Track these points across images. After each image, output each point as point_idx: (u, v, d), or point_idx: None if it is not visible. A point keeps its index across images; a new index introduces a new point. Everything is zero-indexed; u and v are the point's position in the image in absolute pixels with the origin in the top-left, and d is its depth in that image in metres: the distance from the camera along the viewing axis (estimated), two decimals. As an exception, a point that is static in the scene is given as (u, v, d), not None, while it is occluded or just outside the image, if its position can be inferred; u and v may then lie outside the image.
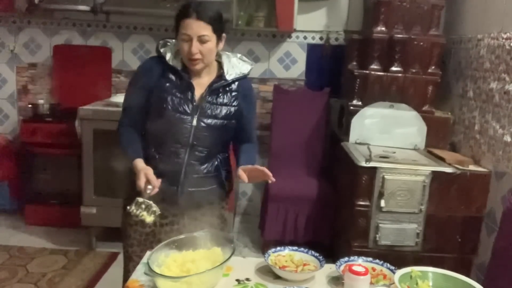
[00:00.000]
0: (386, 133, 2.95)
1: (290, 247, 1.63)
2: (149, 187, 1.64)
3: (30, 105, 3.66)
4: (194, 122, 1.73)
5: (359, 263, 1.50)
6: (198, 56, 1.68)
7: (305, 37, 3.83)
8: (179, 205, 1.80)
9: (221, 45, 1.77)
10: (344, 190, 2.98)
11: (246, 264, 1.56)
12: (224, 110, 1.77)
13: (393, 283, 1.34)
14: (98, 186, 3.19)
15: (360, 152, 2.70)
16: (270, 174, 1.66)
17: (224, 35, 1.77)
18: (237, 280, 1.45)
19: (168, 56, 1.77)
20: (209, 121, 1.74)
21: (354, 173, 2.58)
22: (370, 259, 1.56)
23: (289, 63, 3.87)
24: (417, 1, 2.97)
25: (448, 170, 2.53)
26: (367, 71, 3.00)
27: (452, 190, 2.54)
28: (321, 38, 3.81)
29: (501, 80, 2.48)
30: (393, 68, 2.98)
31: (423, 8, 2.98)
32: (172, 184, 1.76)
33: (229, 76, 1.78)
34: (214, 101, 1.76)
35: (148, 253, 1.52)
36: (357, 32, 3.48)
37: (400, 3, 2.98)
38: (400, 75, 2.97)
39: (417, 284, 1.34)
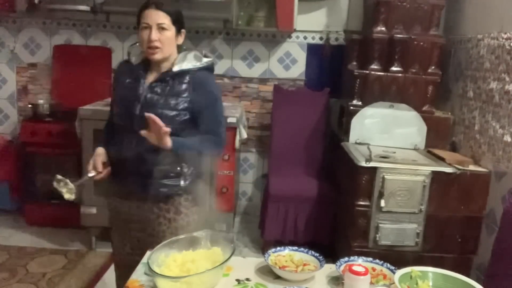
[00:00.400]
0: (386, 133, 2.95)
1: (290, 247, 1.62)
2: (93, 171, 1.80)
3: (30, 105, 3.65)
4: (137, 111, 1.79)
5: (359, 263, 1.50)
6: (157, 44, 1.76)
7: (305, 37, 3.83)
8: (134, 195, 1.86)
9: (181, 39, 1.86)
10: (344, 190, 2.98)
11: (246, 264, 1.56)
12: (170, 101, 1.80)
13: (393, 283, 1.35)
14: (98, 186, 3.19)
15: (360, 152, 2.70)
16: (160, 124, 1.63)
17: (183, 30, 1.86)
18: (237, 280, 1.45)
19: (131, 55, 1.90)
20: (153, 111, 1.76)
21: (354, 173, 2.58)
22: (370, 259, 1.56)
23: (289, 63, 3.87)
24: (417, 1, 2.97)
25: (448, 170, 2.53)
26: (367, 71, 3.00)
27: (452, 190, 2.54)
28: (321, 38, 3.81)
29: (501, 80, 2.48)
30: (393, 68, 2.98)
31: (423, 8, 2.98)
32: (124, 172, 1.84)
33: (176, 68, 1.83)
34: (160, 91, 1.81)
35: (148, 253, 1.52)
36: (357, 32, 3.48)
37: (400, 3, 2.98)
38: (400, 75, 2.97)
39: (417, 284, 1.34)
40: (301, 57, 3.85)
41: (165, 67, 1.84)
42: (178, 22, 1.82)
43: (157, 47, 1.76)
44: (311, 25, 3.78)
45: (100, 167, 1.81)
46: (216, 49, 3.86)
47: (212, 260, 1.42)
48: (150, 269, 1.31)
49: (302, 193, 3.25)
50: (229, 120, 3.17)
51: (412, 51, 2.95)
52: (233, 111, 3.38)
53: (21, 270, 2.95)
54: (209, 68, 1.90)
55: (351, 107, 3.00)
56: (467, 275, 1.38)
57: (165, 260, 1.41)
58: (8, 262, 3.05)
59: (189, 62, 1.84)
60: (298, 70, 3.87)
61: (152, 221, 1.87)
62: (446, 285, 1.34)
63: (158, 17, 1.75)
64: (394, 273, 1.43)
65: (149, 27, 1.76)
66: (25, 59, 3.93)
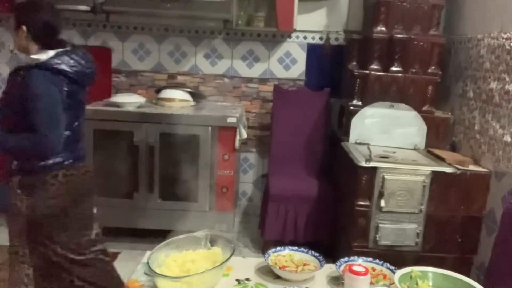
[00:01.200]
0: (386, 133, 2.95)
1: (290, 247, 1.63)
2: None
3: (30, 105, 3.65)
4: None
5: (359, 263, 1.50)
6: None
7: (305, 37, 3.83)
8: None
9: (21, 36, 1.97)
10: (344, 190, 2.98)
11: (246, 264, 1.56)
12: (9, 95, 1.92)
13: (393, 283, 1.35)
14: (98, 186, 3.17)
15: (360, 152, 2.70)
16: None
17: (23, 28, 1.96)
18: (237, 280, 1.45)
19: None
20: (3, 102, 1.96)
21: (354, 173, 2.58)
22: (370, 259, 1.56)
23: (289, 63, 3.87)
24: (417, 1, 2.97)
25: (448, 170, 2.53)
26: (367, 71, 3.00)
27: (452, 190, 2.54)
28: (321, 38, 3.81)
29: (501, 80, 2.48)
30: (393, 68, 2.98)
31: (423, 8, 2.98)
32: None
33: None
34: (8, 85, 1.95)
35: (148, 253, 1.52)
36: (357, 32, 3.48)
37: (400, 3, 2.98)
38: (400, 75, 2.97)
39: (417, 284, 1.34)
40: (301, 57, 3.85)
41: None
42: (18, 19, 1.96)
43: None
44: (311, 25, 3.78)
45: None
46: (216, 49, 3.86)
47: (212, 260, 1.42)
48: (150, 269, 1.31)
49: (302, 193, 3.25)
50: (229, 120, 3.17)
51: (412, 51, 2.95)
52: (233, 111, 3.38)
53: (21, 270, 2.94)
54: (39, 66, 1.91)
55: (351, 107, 3.00)
56: (467, 275, 1.38)
57: (165, 260, 1.41)
58: (8, 262, 3.04)
59: (23, 59, 1.95)
60: (298, 70, 3.87)
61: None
62: (446, 285, 1.34)
63: None
64: (394, 273, 1.43)
65: None
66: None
